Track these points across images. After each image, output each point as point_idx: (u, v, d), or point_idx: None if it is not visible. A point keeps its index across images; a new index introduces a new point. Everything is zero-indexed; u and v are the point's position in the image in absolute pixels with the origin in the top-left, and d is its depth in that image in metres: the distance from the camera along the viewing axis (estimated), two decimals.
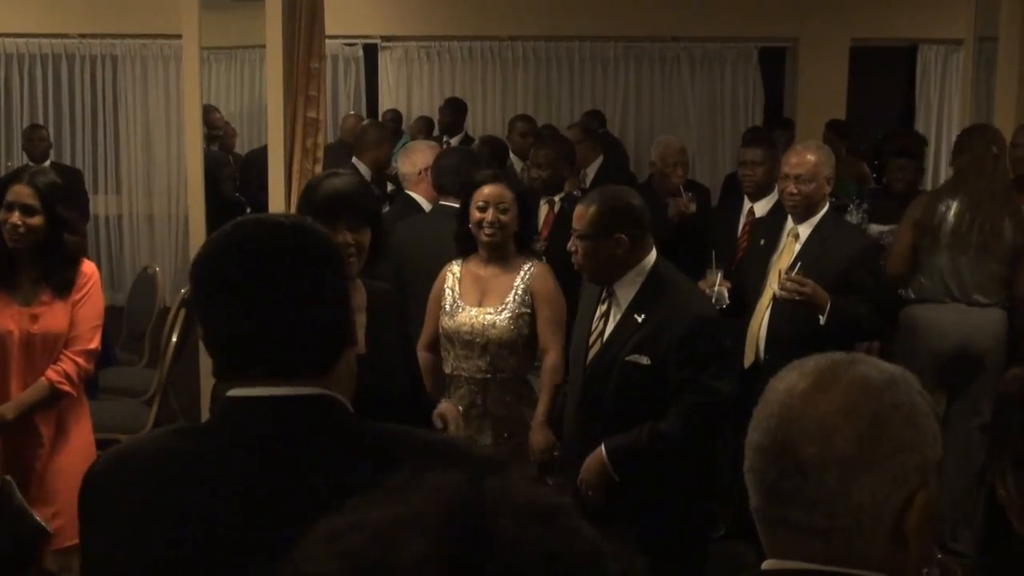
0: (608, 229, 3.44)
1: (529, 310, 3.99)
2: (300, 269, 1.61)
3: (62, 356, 3.71)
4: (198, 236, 6.00)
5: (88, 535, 1.66)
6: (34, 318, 3.64)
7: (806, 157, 4.52)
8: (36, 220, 3.55)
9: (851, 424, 1.31)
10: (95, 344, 3.78)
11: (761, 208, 5.38)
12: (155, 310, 6.86)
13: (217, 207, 6.47)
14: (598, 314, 3.59)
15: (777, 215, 4.93)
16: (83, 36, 10.75)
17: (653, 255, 3.53)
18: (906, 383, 1.36)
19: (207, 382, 6.04)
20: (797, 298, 4.29)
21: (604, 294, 3.59)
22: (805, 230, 4.54)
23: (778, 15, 10.31)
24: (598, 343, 3.57)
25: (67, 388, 3.70)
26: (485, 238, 3.96)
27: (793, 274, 4.34)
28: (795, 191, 4.49)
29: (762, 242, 4.76)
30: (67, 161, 10.49)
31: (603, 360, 3.53)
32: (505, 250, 4.02)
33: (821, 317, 4.28)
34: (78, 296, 3.73)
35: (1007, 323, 4.95)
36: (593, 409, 3.56)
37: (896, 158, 6.17)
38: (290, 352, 1.58)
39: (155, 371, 5.92)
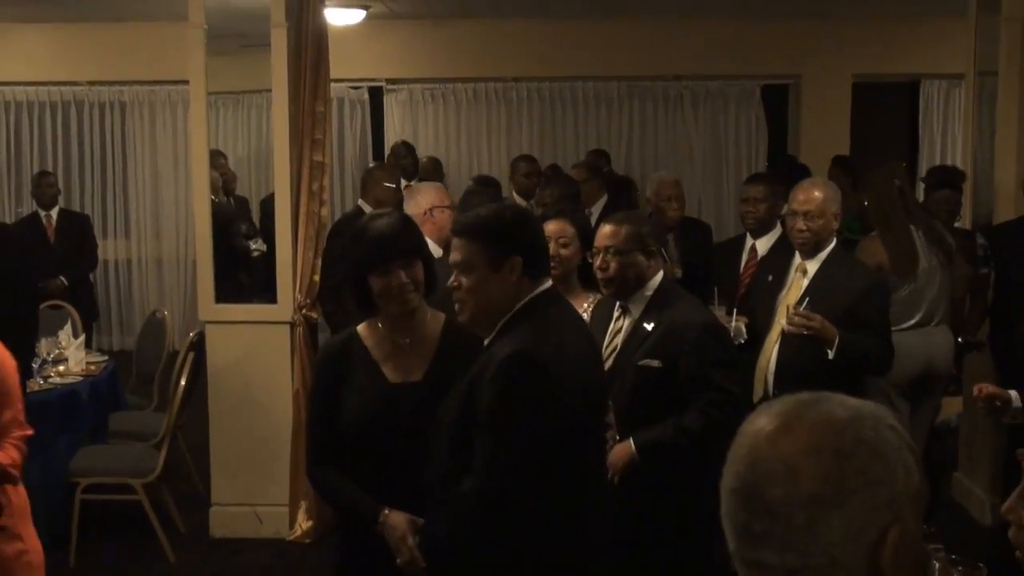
0: (638, 245, 3.82)
1: None
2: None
3: (5, 444, 3.27)
4: (206, 280, 6.03)
5: (540, 407, 2.72)
6: None
7: (813, 193, 4.53)
8: None
9: (815, 462, 1.31)
10: (31, 430, 3.40)
11: (763, 245, 5.40)
12: (164, 354, 6.89)
13: (226, 256, 6.50)
14: (612, 328, 3.91)
15: (781, 251, 4.95)
16: (92, 83, 10.87)
17: (661, 273, 3.92)
18: (873, 418, 1.35)
19: (216, 425, 6.06)
20: (805, 332, 4.30)
21: (618, 310, 3.92)
22: (813, 266, 4.56)
23: (780, 53, 10.37)
24: (613, 353, 3.85)
25: (17, 475, 3.30)
26: None
27: (801, 309, 4.35)
28: (804, 228, 4.51)
29: (770, 278, 4.77)
30: (76, 206, 10.57)
31: (618, 367, 3.80)
32: (568, 283, 4.16)
33: (829, 352, 4.29)
34: None
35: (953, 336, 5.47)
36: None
37: (939, 190, 6.14)
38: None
39: (164, 415, 5.93)
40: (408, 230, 3.10)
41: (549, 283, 2.93)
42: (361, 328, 3.17)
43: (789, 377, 4.40)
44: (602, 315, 4.02)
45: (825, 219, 4.50)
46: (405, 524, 2.92)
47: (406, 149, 9.54)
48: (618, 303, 3.94)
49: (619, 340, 3.86)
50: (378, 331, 3.13)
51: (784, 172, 8.03)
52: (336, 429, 3.07)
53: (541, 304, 2.87)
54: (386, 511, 2.95)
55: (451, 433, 2.82)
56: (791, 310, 4.36)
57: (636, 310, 3.85)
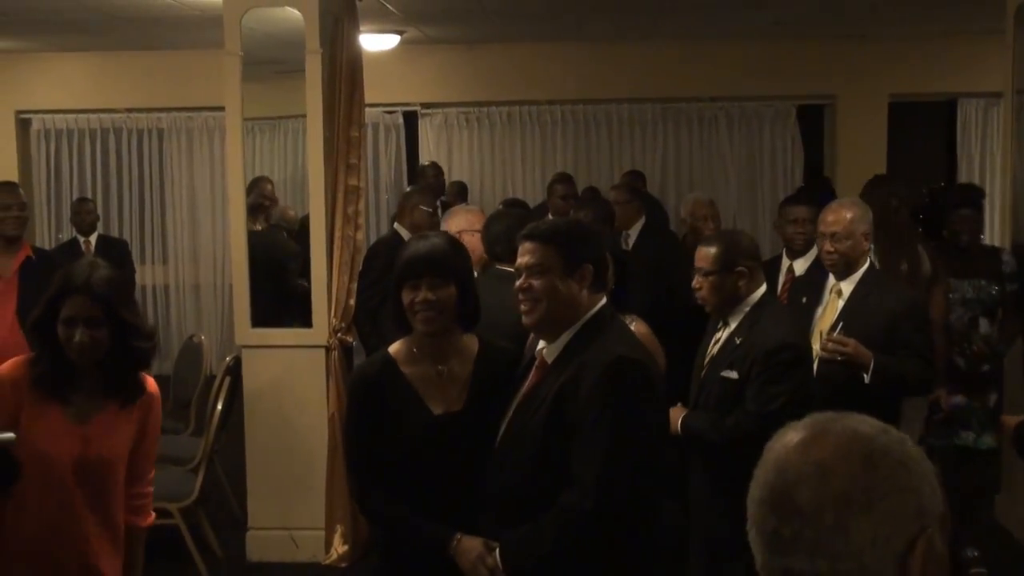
0: (730, 264, 3.94)
1: None
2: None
3: (144, 492, 3.32)
4: (243, 304, 6.06)
5: (648, 411, 2.81)
6: (88, 438, 3.12)
7: (842, 214, 4.51)
8: (102, 333, 3.06)
9: (845, 465, 1.33)
10: (154, 471, 3.42)
11: (800, 266, 5.37)
12: (201, 378, 6.91)
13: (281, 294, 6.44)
14: (714, 339, 4.09)
15: (816, 272, 4.92)
16: (130, 110, 10.99)
17: (763, 288, 4.04)
18: (898, 434, 1.39)
19: (252, 449, 6.08)
20: (839, 359, 4.26)
21: (721, 322, 4.07)
22: (847, 286, 4.52)
23: (815, 72, 10.33)
24: (708, 363, 4.07)
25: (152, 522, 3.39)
26: None
27: (835, 335, 4.31)
28: (831, 249, 4.48)
29: (804, 300, 4.74)
30: (115, 232, 10.67)
31: (709, 376, 4.03)
32: None
33: (865, 376, 4.24)
34: (151, 423, 3.29)
35: None
36: None
37: (958, 209, 6.07)
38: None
39: (201, 439, 5.95)
40: (450, 254, 3.09)
41: (606, 299, 2.99)
42: (395, 350, 3.15)
43: (827, 400, 4.34)
44: (712, 326, 4.18)
45: (854, 240, 4.47)
46: (480, 546, 2.90)
47: (435, 170, 9.57)
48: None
49: (715, 351, 4.05)
50: (413, 355, 3.11)
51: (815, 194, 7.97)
52: (380, 456, 3.07)
53: (607, 316, 2.94)
54: (458, 535, 2.93)
55: (535, 446, 2.82)
56: (824, 336, 4.33)
57: (734, 323, 4.00)
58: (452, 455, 3.00)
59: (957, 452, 5.47)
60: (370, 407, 3.08)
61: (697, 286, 4.03)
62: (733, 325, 4.00)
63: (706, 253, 4.02)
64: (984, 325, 5.58)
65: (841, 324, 4.38)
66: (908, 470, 1.34)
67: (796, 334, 4.07)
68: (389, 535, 3.19)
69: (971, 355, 5.50)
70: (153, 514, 3.36)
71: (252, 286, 6.08)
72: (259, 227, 7.69)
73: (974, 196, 6.37)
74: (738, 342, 3.92)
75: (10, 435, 2.58)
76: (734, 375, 3.87)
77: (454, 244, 3.19)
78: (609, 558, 2.79)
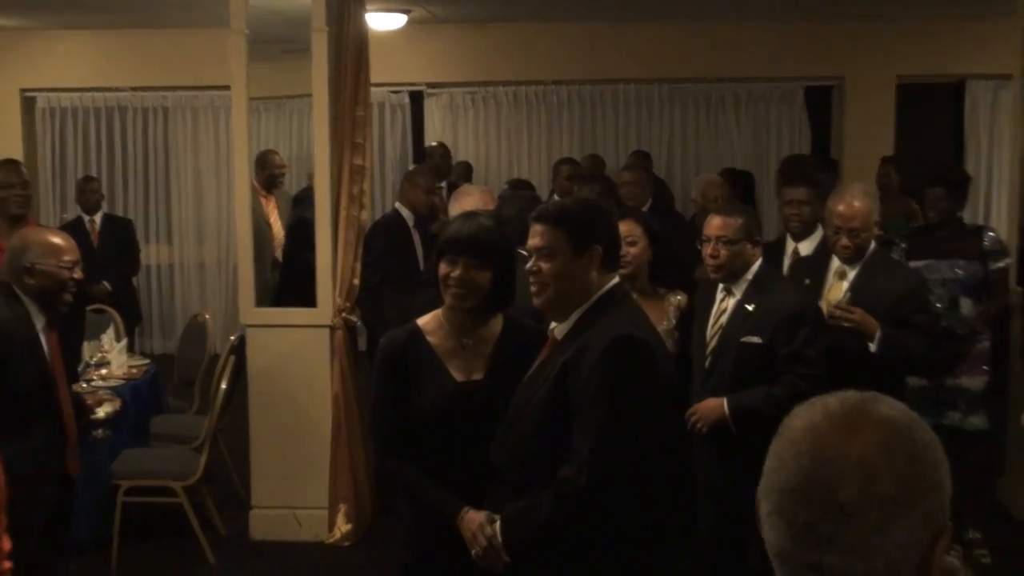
0: (750, 235, 4.22)
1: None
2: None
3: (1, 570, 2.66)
4: (247, 284, 6.06)
5: (648, 389, 2.81)
6: None
7: (855, 205, 4.47)
8: None
9: (891, 464, 1.28)
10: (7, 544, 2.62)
11: (806, 248, 5.33)
12: (205, 357, 6.92)
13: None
14: (717, 309, 4.29)
15: (820, 254, 4.90)
16: (135, 89, 10.96)
17: (761, 259, 4.30)
18: (921, 420, 1.35)
19: (256, 428, 6.08)
20: (846, 325, 4.27)
21: (722, 292, 4.29)
22: (852, 270, 4.52)
23: (823, 54, 10.27)
24: (718, 331, 4.25)
25: None
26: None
27: (843, 303, 4.34)
28: (849, 244, 4.46)
29: (807, 282, 4.72)
30: (120, 211, 10.66)
31: (723, 343, 4.22)
32: (639, 282, 4.35)
33: (871, 344, 4.25)
34: None
35: None
36: (716, 385, 4.24)
37: (929, 188, 5.92)
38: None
39: (205, 418, 5.95)
40: (494, 238, 3.17)
41: (617, 278, 3.01)
42: (423, 322, 3.24)
43: (833, 373, 4.34)
44: (705, 300, 4.37)
45: (868, 231, 4.49)
46: (483, 517, 2.97)
47: (443, 150, 9.56)
48: (721, 286, 4.29)
49: (724, 320, 4.24)
50: (440, 326, 3.21)
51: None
52: (403, 421, 3.14)
53: (618, 295, 2.97)
54: (466, 508, 3.00)
55: (537, 420, 2.86)
56: (831, 304, 4.35)
57: (739, 292, 4.23)
58: (472, 422, 3.08)
59: (949, 432, 5.41)
60: (395, 373, 3.16)
61: (714, 254, 4.19)
62: (739, 294, 4.22)
63: (728, 223, 4.20)
64: (966, 306, 5.49)
65: (850, 295, 4.40)
66: (940, 464, 1.32)
67: (807, 296, 4.38)
68: (404, 499, 3.27)
69: (938, 335, 5.41)
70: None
71: None
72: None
73: (946, 175, 6.21)
74: (751, 308, 4.15)
75: None
76: (757, 340, 4.10)
77: (500, 229, 3.25)
78: (616, 534, 2.81)
